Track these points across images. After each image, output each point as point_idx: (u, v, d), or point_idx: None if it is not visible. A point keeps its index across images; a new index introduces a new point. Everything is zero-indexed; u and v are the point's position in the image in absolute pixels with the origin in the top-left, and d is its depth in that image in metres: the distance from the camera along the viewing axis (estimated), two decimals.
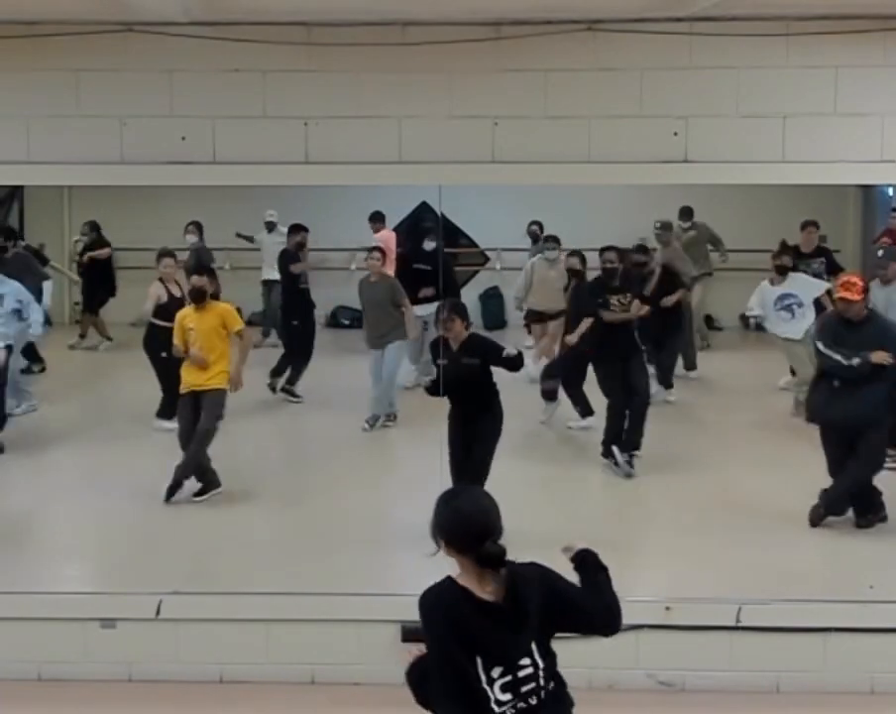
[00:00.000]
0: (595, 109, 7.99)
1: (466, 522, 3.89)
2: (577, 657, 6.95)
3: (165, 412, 10.93)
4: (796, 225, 13.87)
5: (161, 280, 10.99)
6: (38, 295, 11.76)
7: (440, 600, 3.90)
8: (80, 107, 8.01)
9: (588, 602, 3.97)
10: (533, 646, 3.85)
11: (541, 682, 3.86)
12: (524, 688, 3.83)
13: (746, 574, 7.62)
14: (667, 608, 7.15)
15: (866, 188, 16.22)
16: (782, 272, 11.55)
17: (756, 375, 12.74)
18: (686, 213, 15.09)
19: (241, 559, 7.96)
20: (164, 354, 10.62)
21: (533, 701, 3.85)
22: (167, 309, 10.63)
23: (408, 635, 7.17)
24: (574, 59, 7.93)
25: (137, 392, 11.65)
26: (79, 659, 7.17)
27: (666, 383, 12.28)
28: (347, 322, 16.89)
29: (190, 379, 9.11)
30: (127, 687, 7.13)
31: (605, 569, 4.09)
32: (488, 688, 3.80)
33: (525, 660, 3.84)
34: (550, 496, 9.36)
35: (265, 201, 15.04)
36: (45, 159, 8.10)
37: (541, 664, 3.86)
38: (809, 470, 9.57)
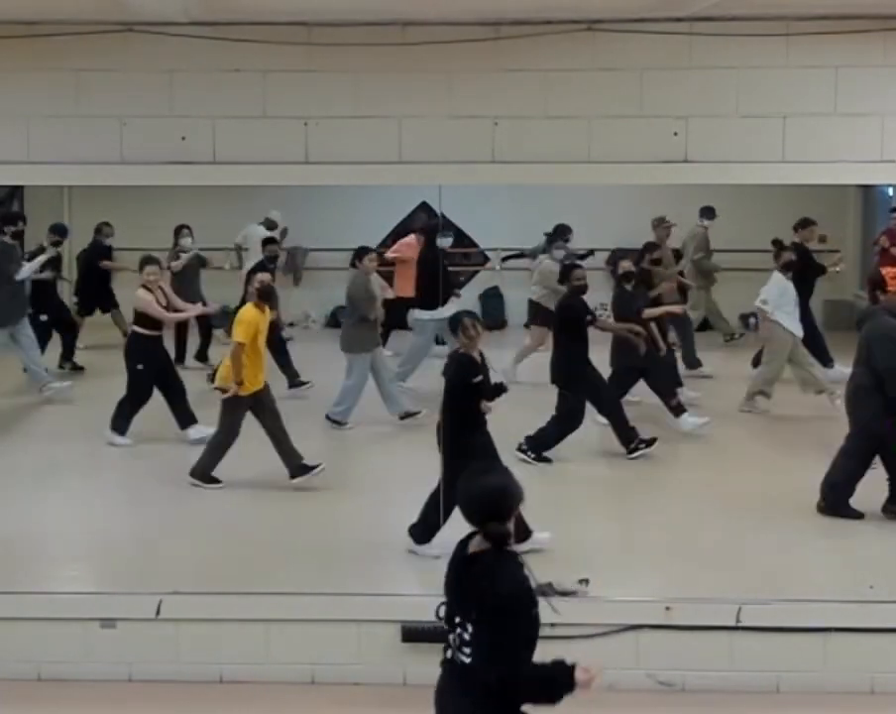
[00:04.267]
0: (595, 109, 7.99)
1: (470, 502, 4.35)
2: (577, 657, 6.96)
3: (119, 424, 10.57)
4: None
5: (145, 287, 10.60)
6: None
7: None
8: (80, 107, 8.01)
9: (483, 656, 4.21)
10: (473, 617, 4.23)
11: (458, 646, 4.31)
12: (454, 639, 4.34)
13: (746, 574, 7.62)
14: (667, 608, 7.15)
15: (866, 188, 16.23)
16: (791, 268, 11.58)
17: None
18: (707, 212, 14.88)
19: (241, 559, 7.96)
20: (140, 366, 10.48)
21: (449, 654, 4.38)
22: (151, 317, 10.53)
23: (408, 635, 7.19)
24: (574, 60, 7.93)
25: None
26: (79, 659, 7.17)
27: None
28: None
29: (257, 381, 9.35)
30: (127, 687, 7.13)
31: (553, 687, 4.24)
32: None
33: (457, 618, 4.33)
34: (550, 495, 9.35)
35: (265, 201, 15.05)
36: (45, 159, 8.10)
37: (460, 630, 4.28)
38: (809, 469, 9.58)
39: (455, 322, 7.90)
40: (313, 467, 9.34)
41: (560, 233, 14.79)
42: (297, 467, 9.34)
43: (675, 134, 7.99)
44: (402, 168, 8.08)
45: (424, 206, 16.30)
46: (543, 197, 15.32)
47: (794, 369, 11.79)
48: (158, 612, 7.21)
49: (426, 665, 7.00)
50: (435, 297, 12.33)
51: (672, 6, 7.52)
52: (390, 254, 14.46)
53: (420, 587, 7.46)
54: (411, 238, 14.38)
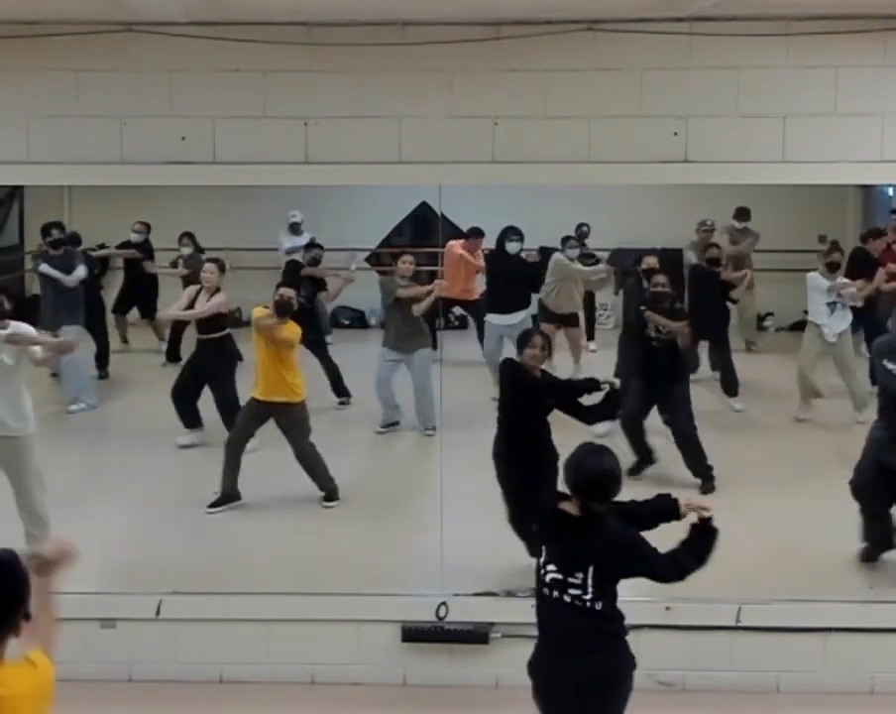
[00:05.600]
0: (595, 109, 7.98)
1: (584, 478, 4.89)
2: None
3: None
4: (795, 226, 13.90)
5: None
6: None
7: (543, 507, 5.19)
8: (80, 107, 8.00)
9: (658, 563, 5.11)
10: (591, 571, 4.88)
11: (585, 596, 4.90)
12: (570, 590, 4.93)
13: (746, 574, 7.62)
14: (667, 608, 7.15)
15: (866, 188, 16.22)
16: (835, 269, 11.53)
17: (757, 375, 12.74)
18: (742, 214, 14.58)
19: (241, 559, 7.96)
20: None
21: (567, 599, 4.93)
22: (205, 320, 10.45)
23: (408, 635, 7.19)
24: (574, 59, 7.92)
25: (138, 393, 11.66)
26: (79, 659, 7.16)
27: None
28: (347, 322, 16.94)
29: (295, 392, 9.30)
30: (127, 687, 7.13)
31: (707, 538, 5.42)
32: (543, 570, 5.04)
33: (579, 575, 4.89)
34: None
35: (264, 201, 15.04)
36: (45, 159, 8.08)
37: (590, 585, 4.89)
38: (808, 469, 9.60)
39: (524, 337, 7.82)
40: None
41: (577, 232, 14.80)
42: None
43: (675, 134, 7.98)
44: (402, 168, 8.07)
45: (424, 206, 16.30)
46: (543, 197, 15.31)
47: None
48: (158, 612, 7.21)
49: (426, 665, 7.06)
50: (506, 302, 12.37)
51: (672, 6, 7.52)
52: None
53: (420, 587, 7.47)
54: (457, 245, 13.82)
